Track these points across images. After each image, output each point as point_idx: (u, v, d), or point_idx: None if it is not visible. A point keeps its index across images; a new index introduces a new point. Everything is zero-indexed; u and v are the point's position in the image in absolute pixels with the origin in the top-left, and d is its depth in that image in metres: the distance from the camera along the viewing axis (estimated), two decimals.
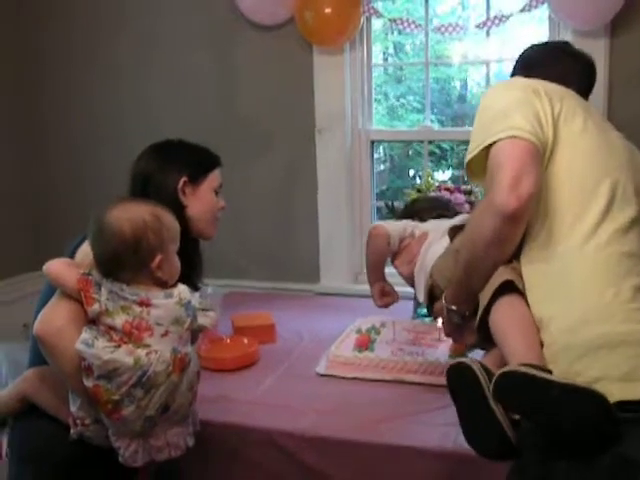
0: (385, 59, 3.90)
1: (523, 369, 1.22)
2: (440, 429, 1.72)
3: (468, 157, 1.44)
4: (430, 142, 3.10)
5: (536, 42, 1.83)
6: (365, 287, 2.89)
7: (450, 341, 2.06)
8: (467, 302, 1.47)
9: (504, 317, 1.36)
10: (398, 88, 4.11)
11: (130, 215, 1.48)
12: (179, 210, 1.74)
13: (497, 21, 2.70)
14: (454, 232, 1.73)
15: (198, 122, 3.01)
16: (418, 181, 3.87)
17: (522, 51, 1.80)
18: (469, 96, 4.24)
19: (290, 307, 2.75)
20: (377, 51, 3.09)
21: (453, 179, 3.89)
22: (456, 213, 2.12)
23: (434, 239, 1.86)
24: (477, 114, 1.48)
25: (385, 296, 2.07)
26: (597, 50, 2.39)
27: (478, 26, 2.74)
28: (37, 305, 1.59)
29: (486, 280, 1.39)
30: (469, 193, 2.41)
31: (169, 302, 1.48)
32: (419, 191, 2.48)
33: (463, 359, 1.36)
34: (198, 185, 1.83)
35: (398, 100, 4.07)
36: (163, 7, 3.08)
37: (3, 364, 2.64)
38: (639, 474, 1.18)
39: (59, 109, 3.30)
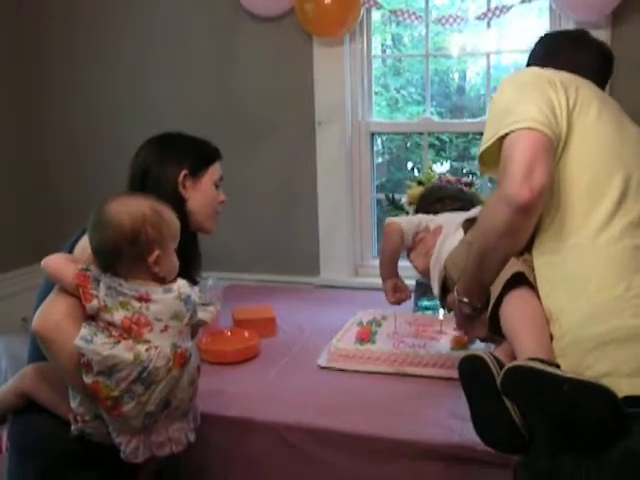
0: (383, 51, 3.88)
1: (531, 363, 1.22)
2: (442, 422, 1.72)
3: (481, 148, 1.42)
4: (429, 134, 3.09)
5: (550, 31, 1.81)
6: (365, 280, 2.93)
7: (452, 333, 2.06)
8: (479, 294, 1.47)
9: (515, 311, 1.36)
10: (397, 80, 4.09)
11: (130, 208, 1.48)
12: (179, 203, 1.73)
13: (498, 12, 2.69)
14: (468, 224, 1.73)
15: (198, 115, 3.00)
16: (417, 173, 3.86)
17: (537, 40, 1.79)
18: (468, 88, 4.22)
19: (290, 300, 2.74)
20: (375, 43, 3.07)
21: (452, 171, 3.89)
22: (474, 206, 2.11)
23: (449, 232, 1.85)
24: (491, 104, 1.46)
25: (398, 292, 2.06)
26: None
27: (479, 17, 2.73)
28: (36, 301, 1.58)
29: (497, 272, 1.38)
30: (470, 185, 2.40)
31: (168, 297, 1.47)
32: (420, 183, 2.46)
33: (476, 351, 1.35)
34: (199, 178, 1.82)
35: (399, 92, 4.06)
36: (162, 0, 3.06)
37: (2, 358, 2.65)
38: None
39: (58, 104, 3.28)
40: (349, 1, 2.72)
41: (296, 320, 2.50)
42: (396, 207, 2.57)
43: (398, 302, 2.06)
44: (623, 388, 1.18)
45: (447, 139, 4.02)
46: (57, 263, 1.51)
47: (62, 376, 1.51)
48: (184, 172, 1.78)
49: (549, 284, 1.34)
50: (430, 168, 2.61)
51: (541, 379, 1.20)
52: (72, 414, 1.52)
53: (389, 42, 4.09)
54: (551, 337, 1.31)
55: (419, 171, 3.75)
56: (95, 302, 1.44)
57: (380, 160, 3.92)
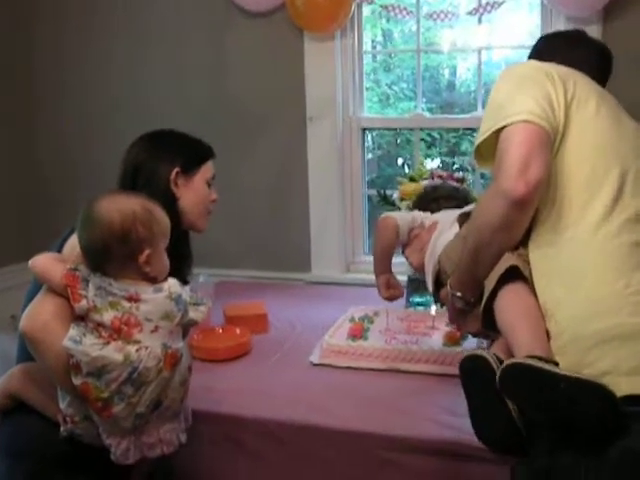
0: (374, 47, 3.87)
1: (529, 361, 1.21)
2: (435, 418, 1.72)
3: (478, 141, 1.41)
4: (421, 130, 3.09)
5: (548, 32, 1.83)
6: (356, 276, 2.93)
7: (444, 329, 2.06)
8: (472, 289, 1.46)
9: (510, 305, 1.36)
10: (387, 76, 4.08)
11: (120, 206, 1.45)
12: (170, 201, 1.72)
13: (489, 8, 2.69)
14: (463, 218, 1.73)
15: (188, 110, 2.99)
16: (407, 169, 3.86)
17: (535, 42, 1.79)
18: (458, 84, 4.22)
19: (282, 296, 2.74)
20: (365, 39, 3.06)
21: (442, 167, 3.88)
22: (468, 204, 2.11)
23: (444, 228, 1.85)
24: (490, 96, 1.45)
25: (391, 288, 2.05)
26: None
27: (470, 13, 2.73)
28: (24, 300, 1.56)
29: (492, 267, 1.38)
30: (462, 181, 2.40)
31: (158, 297, 1.45)
32: (412, 179, 2.46)
33: (478, 351, 1.35)
34: (191, 176, 1.80)
35: (390, 88, 4.05)
36: None
37: None
38: None
39: (50, 105, 3.27)
40: None
41: (288, 316, 2.49)
42: (387, 203, 2.57)
43: (391, 299, 2.06)
44: (622, 387, 1.18)
45: (437, 135, 4.02)
46: (45, 263, 1.48)
47: (51, 377, 1.48)
48: (176, 170, 1.77)
49: (545, 278, 1.33)
50: (422, 164, 2.60)
51: (539, 376, 1.19)
52: (61, 415, 1.49)
53: (379, 38, 4.08)
54: (547, 334, 1.31)
55: (409, 167, 3.75)
56: (84, 302, 1.42)
57: (370, 156, 3.92)
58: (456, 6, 2.99)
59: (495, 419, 1.30)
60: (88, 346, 1.40)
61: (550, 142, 1.32)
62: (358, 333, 2.11)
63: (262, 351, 2.18)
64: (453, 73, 4.30)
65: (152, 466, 1.61)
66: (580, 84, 1.39)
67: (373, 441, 1.70)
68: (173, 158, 1.77)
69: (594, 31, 2.47)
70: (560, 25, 2.60)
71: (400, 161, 4.18)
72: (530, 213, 1.32)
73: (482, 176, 2.89)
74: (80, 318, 1.43)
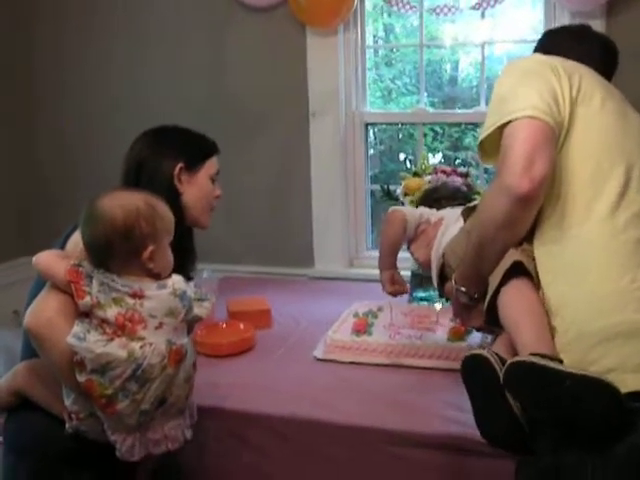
0: (375, 42, 3.86)
1: (533, 359, 1.20)
2: (439, 413, 1.72)
3: (482, 136, 1.40)
4: (423, 124, 3.08)
5: (553, 27, 1.82)
6: (360, 271, 2.93)
7: (448, 324, 2.06)
8: (476, 284, 1.46)
9: (513, 302, 1.35)
10: (389, 71, 4.07)
11: (123, 202, 1.45)
12: (174, 197, 1.71)
13: (492, 2, 2.67)
14: (468, 212, 1.72)
15: (188, 110, 2.96)
16: (409, 164, 3.85)
17: (540, 37, 1.78)
18: (460, 78, 4.21)
19: (285, 292, 2.73)
20: (367, 33, 3.06)
21: (444, 161, 3.87)
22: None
23: (449, 223, 1.85)
24: (493, 91, 1.44)
25: (395, 284, 2.04)
26: None
27: (473, 7, 2.72)
28: (27, 297, 1.56)
29: (496, 262, 1.37)
30: (466, 175, 2.40)
31: (162, 293, 1.45)
32: (415, 174, 2.46)
33: (478, 350, 1.35)
34: (195, 172, 1.80)
35: (393, 82, 4.04)
36: None
37: None
38: None
39: (50, 104, 3.27)
40: None
41: (291, 312, 2.48)
42: (391, 198, 2.57)
43: (394, 294, 2.05)
44: (628, 383, 1.18)
45: (440, 129, 4.01)
46: (48, 260, 1.48)
47: (55, 374, 1.48)
48: (180, 165, 1.76)
49: (550, 274, 1.33)
50: (425, 159, 2.60)
51: (544, 374, 1.19)
52: (66, 412, 1.49)
53: (381, 33, 4.07)
54: (552, 331, 1.30)
55: (411, 162, 3.74)
56: (88, 299, 1.41)
57: (372, 151, 3.91)
58: (459, 0, 2.97)
59: (498, 417, 1.30)
60: (92, 343, 1.39)
61: (555, 138, 1.31)
62: (362, 328, 2.11)
63: (266, 346, 2.18)
64: (455, 68, 4.29)
65: (157, 463, 1.61)
66: (586, 78, 1.38)
67: (377, 436, 1.70)
68: (177, 154, 1.77)
69: (598, 26, 2.46)
70: (563, 19, 2.59)
71: (402, 156, 4.17)
72: (534, 210, 1.31)
73: (486, 170, 2.88)
74: (84, 314, 1.43)
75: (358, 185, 3.00)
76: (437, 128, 3.96)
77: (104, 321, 1.41)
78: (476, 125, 2.98)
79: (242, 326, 2.26)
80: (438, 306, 2.15)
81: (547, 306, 1.32)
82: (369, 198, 3.05)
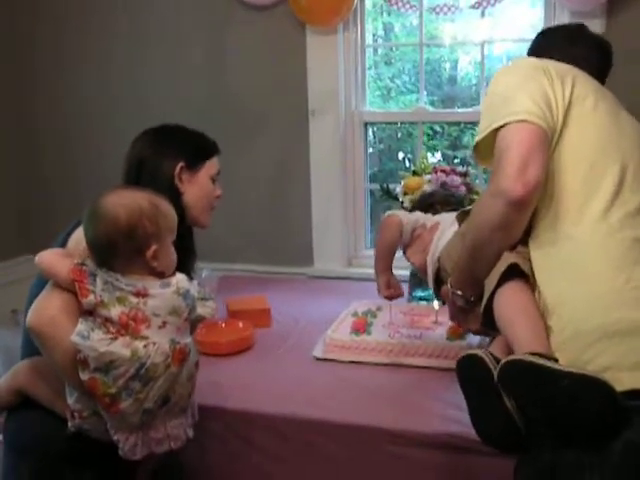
0: (375, 41, 3.86)
1: (529, 358, 1.21)
2: (439, 412, 1.72)
3: (476, 139, 1.41)
4: (423, 123, 3.08)
5: (549, 27, 1.82)
6: (359, 270, 2.93)
7: (448, 323, 2.06)
8: (472, 287, 1.46)
9: (508, 302, 1.36)
10: (389, 70, 4.07)
11: (126, 201, 1.44)
12: (175, 197, 1.71)
13: (492, 1, 2.67)
14: (462, 216, 1.72)
15: (188, 110, 2.96)
16: (408, 163, 3.85)
17: (535, 37, 1.78)
18: (459, 77, 4.21)
19: (284, 291, 2.73)
20: (367, 32, 3.06)
21: (444, 160, 3.87)
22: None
23: (445, 228, 1.85)
24: (487, 94, 1.45)
25: (391, 288, 2.04)
26: (593, 30, 2.35)
27: (473, 6, 2.72)
28: (28, 296, 1.55)
29: (491, 266, 1.37)
30: (465, 174, 2.40)
31: (166, 292, 1.45)
32: (415, 173, 2.46)
33: (472, 350, 1.35)
34: (196, 172, 1.80)
35: (393, 81, 4.04)
36: None
37: None
38: None
39: (49, 96, 3.26)
40: None
41: (290, 311, 2.49)
42: (390, 197, 2.57)
43: (390, 297, 2.05)
44: (624, 382, 1.18)
45: (439, 128, 4.01)
46: (51, 258, 1.47)
47: (58, 372, 1.48)
48: (180, 164, 1.76)
49: (547, 273, 1.33)
50: (425, 158, 2.60)
51: (539, 373, 1.19)
52: (69, 410, 1.49)
53: (380, 32, 4.07)
54: (547, 330, 1.30)
55: (410, 161, 3.74)
56: (92, 297, 1.41)
57: (372, 150, 3.91)
58: None
59: (493, 416, 1.30)
60: (96, 341, 1.39)
61: (548, 141, 1.31)
62: (361, 327, 2.11)
63: (265, 345, 2.18)
64: (455, 67, 4.29)
65: (158, 463, 1.61)
66: (578, 81, 1.38)
67: (377, 435, 1.70)
68: (177, 153, 1.77)
69: (598, 25, 2.46)
70: (563, 18, 2.59)
71: (401, 155, 4.16)
72: (528, 213, 1.31)
73: (484, 170, 2.88)
74: (88, 313, 1.42)
75: (357, 184, 3.00)
76: (436, 127, 3.96)
77: (108, 320, 1.41)
78: (475, 124, 2.95)
79: (241, 325, 2.26)
80: (437, 304, 2.15)
81: (543, 305, 1.33)
82: (368, 197, 3.05)
